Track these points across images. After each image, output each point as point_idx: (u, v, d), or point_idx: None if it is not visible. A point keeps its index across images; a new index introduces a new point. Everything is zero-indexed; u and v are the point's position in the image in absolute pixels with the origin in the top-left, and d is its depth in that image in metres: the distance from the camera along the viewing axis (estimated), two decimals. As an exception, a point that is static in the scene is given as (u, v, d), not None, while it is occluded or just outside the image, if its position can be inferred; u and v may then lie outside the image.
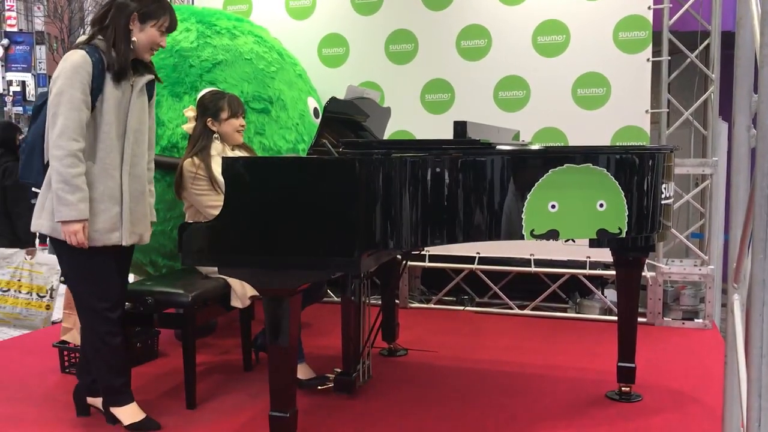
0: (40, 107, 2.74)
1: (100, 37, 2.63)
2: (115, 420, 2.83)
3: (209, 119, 3.25)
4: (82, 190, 2.53)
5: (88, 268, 2.67)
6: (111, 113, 2.62)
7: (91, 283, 2.69)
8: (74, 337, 3.54)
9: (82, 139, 2.55)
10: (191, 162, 3.18)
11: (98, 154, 2.62)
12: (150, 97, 2.82)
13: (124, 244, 2.68)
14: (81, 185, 2.53)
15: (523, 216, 2.58)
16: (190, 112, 3.35)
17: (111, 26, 2.62)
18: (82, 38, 2.69)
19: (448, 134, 2.73)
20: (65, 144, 2.50)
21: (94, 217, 2.60)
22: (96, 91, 2.58)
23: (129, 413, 2.81)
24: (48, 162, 2.59)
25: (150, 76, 2.79)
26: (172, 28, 2.74)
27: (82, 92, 2.53)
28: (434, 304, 4.94)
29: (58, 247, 2.65)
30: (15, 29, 30.31)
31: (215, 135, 3.27)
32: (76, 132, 2.52)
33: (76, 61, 2.54)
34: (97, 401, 2.90)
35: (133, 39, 2.63)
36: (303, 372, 3.25)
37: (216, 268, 2.46)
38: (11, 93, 29.78)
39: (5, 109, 27.33)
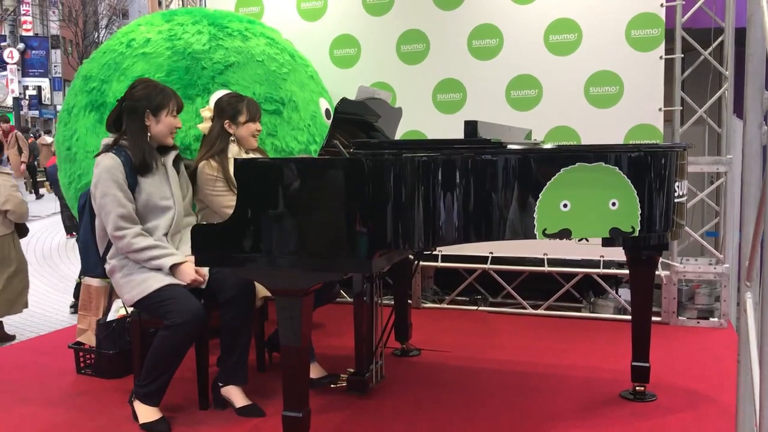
0: (83, 207, 3.12)
1: (124, 139, 2.93)
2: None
3: (227, 121, 3.24)
4: (159, 246, 2.86)
5: (166, 296, 2.81)
6: (150, 199, 2.91)
7: (170, 304, 2.79)
8: (89, 339, 3.57)
9: (136, 224, 2.87)
10: (209, 164, 3.18)
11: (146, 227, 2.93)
12: (178, 171, 3.08)
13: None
14: (156, 244, 2.86)
15: (535, 215, 2.58)
16: (207, 112, 3.35)
17: (129, 130, 2.92)
18: (108, 140, 2.96)
19: (460, 134, 2.72)
20: (124, 233, 2.82)
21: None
22: (132, 185, 2.88)
23: (147, 411, 2.86)
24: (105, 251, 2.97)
25: (175, 152, 3.07)
26: (180, 108, 3.02)
27: (121, 190, 2.84)
28: (447, 304, 4.94)
29: (145, 309, 2.92)
30: (30, 34, 30.58)
31: (231, 138, 3.27)
32: (128, 222, 2.84)
33: (107, 164, 2.85)
34: (230, 391, 3.02)
35: (149, 134, 2.92)
36: (314, 371, 3.25)
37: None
38: (27, 97, 30.07)
39: (21, 113, 27.58)
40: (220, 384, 3.06)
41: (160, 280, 2.82)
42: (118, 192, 2.83)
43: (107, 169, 2.84)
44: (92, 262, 3.09)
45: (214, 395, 3.07)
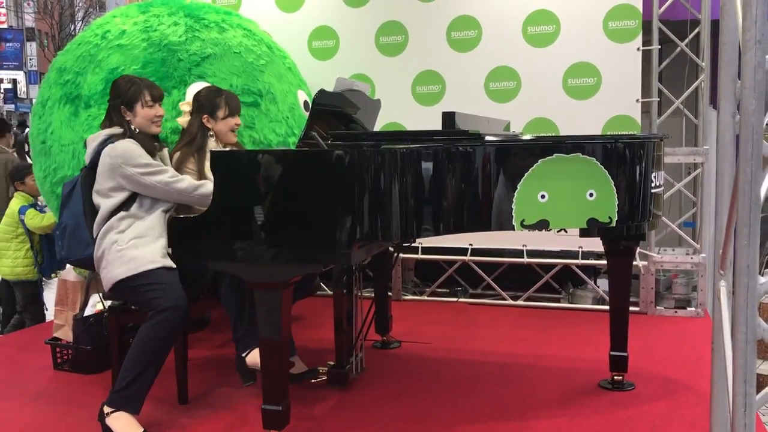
0: (71, 192, 2.98)
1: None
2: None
3: (206, 116, 3.18)
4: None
5: (157, 280, 2.69)
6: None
7: (159, 289, 2.68)
8: (66, 334, 3.54)
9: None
10: (187, 161, 3.12)
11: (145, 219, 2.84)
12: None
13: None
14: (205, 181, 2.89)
15: (513, 206, 2.58)
16: (186, 106, 3.28)
17: (122, 126, 2.91)
18: (112, 131, 2.91)
19: (438, 126, 2.72)
20: (181, 177, 2.85)
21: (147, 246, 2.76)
22: None
23: (127, 426, 2.61)
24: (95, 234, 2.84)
25: (164, 150, 3.08)
26: (156, 97, 2.95)
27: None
28: (427, 296, 4.94)
29: (129, 292, 2.78)
30: (5, 26, 30.10)
31: (210, 133, 3.21)
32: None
33: (127, 145, 2.82)
34: (255, 356, 2.90)
35: (134, 128, 2.91)
36: (294, 366, 3.24)
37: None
38: (2, 91, 29.63)
39: (-4, 106, 27.18)
40: (243, 355, 2.96)
41: (152, 261, 2.69)
42: (150, 159, 2.84)
43: (131, 148, 2.81)
44: (83, 243, 2.86)
45: (240, 371, 2.98)
